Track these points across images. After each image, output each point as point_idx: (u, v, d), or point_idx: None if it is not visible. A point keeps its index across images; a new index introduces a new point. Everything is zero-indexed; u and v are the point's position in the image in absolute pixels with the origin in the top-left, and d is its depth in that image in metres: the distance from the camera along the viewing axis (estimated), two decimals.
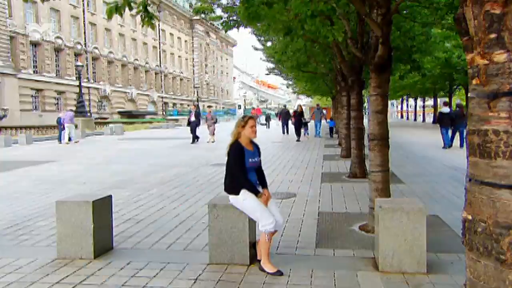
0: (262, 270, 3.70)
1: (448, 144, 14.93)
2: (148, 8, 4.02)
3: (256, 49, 18.67)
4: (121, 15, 3.88)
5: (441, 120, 15.41)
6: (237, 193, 3.74)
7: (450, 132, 15.29)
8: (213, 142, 18.55)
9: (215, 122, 19.47)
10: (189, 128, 19.43)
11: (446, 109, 15.79)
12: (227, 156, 3.83)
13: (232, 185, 3.79)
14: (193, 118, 19.27)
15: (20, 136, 20.62)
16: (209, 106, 79.61)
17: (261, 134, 24.41)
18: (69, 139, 19.58)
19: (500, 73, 1.75)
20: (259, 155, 3.97)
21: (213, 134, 19.04)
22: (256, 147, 3.96)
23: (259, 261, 3.79)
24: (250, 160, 3.79)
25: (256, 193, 3.73)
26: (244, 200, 3.71)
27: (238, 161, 3.74)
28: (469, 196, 1.94)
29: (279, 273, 3.64)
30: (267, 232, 3.65)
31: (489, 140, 1.80)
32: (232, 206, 3.89)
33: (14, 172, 10.50)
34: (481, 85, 1.83)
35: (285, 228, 5.12)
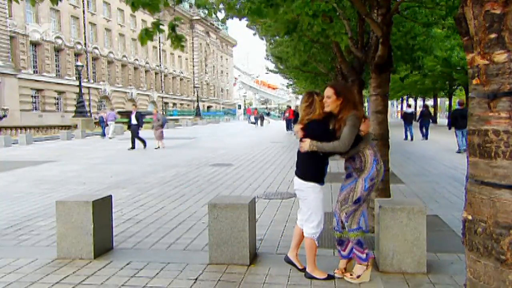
0: (311, 277, 3.53)
1: (411, 136, 18.72)
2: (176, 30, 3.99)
3: (267, 56, 18.91)
4: (151, 39, 3.86)
5: (404, 118, 19.28)
6: (320, 181, 3.46)
7: (421, 128, 19.47)
8: (157, 148, 16.23)
9: (163, 126, 16.76)
10: (131, 133, 16.63)
11: (409, 110, 20.49)
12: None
13: (316, 172, 3.45)
14: (134, 121, 16.48)
15: (20, 136, 20.64)
16: (209, 107, 79.70)
17: (259, 133, 24.14)
18: (104, 135, 23.60)
19: (500, 73, 1.75)
20: None
21: (160, 139, 16.48)
22: None
23: (302, 269, 3.66)
24: None
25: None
26: (318, 197, 3.45)
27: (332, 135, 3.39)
28: (469, 196, 1.94)
29: (330, 277, 3.53)
30: (315, 239, 3.50)
31: (489, 140, 1.80)
32: (232, 206, 3.88)
33: (14, 172, 10.49)
34: (481, 85, 1.83)
35: (285, 228, 5.13)
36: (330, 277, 3.53)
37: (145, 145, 16.48)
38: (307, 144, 3.35)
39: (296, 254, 3.74)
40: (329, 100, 3.36)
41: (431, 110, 35.17)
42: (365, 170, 3.39)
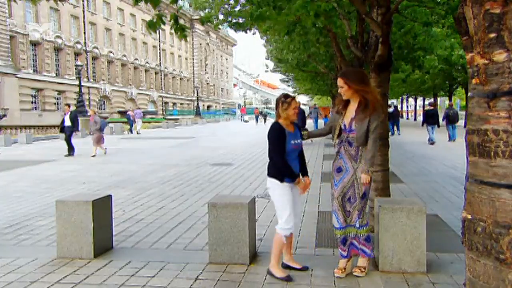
0: (269, 273, 3.56)
1: (393, 133, 22.49)
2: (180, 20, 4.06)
3: (268, 56, 19.09)
4: (155, 31, 3.97)
5: (388, 116, 22.11)
6: (280, 179, 3.48)
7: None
8: (94, 155, 13.57)
9: (101, 129, 14.13)
10: (64, 136, 14.20)
11: (390, 109, 23.27)
12: (268, 139, 3.54)
13: (275, 170, 3.51)
14: (68, 123, 14.01)
15: (20, 136, 20.64)
16: (209, 106, 79.65)
17: (259, 132, 24.07)
18: (133, 131, 26.87)
19: (499, 72, 1.75)
20: (301, 137, 3.66)
21: (98, 143, 13.90)
22: (298, 128, 3.65)
23: (301, 269, 3.67)
24: (292, 142, 3.50)
25: (295, 178, 3.46)
26: (282, 194, 3.48)
27: (278, 143, 3.45)
28: (469, 195, 1.94)
29: (287, 278, 3.50)
30: (283, 235, 3.50)
31: (488, 140, 1.80)
32: (232, 206, 3.88)
33: (14, 171, 10.49)
34: (481, 85, 1.83)
35: None
36: (289, 279, 3.48)
37: (72, 153, 13.92)
38: (368, 177, 3.47)
39: (290, 257, 3.77)
40: (343, 90, 3.50)
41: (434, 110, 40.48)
42: (361, 159, 3.48)
